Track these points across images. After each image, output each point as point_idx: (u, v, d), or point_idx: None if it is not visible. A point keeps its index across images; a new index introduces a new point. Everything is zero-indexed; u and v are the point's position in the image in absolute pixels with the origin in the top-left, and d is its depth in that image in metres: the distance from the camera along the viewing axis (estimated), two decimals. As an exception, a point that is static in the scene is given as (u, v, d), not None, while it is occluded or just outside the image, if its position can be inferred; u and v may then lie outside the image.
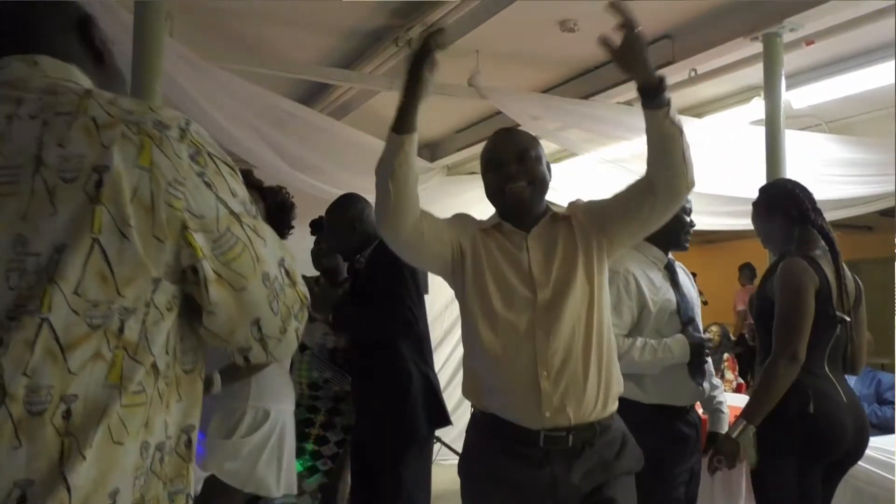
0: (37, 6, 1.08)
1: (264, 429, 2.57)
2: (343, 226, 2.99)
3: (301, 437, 2.99)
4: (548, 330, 1.85)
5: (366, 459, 2.94)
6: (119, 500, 0.88)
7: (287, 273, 1.05)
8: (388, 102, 4.71)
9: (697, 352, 2.48)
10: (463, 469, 2.00)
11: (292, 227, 2.89)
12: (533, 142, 2.00)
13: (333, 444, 3.19)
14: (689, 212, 2.60)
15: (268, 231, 1.04)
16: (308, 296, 1.11)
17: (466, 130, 5.74)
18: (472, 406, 2.01)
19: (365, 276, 2.93)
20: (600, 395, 1.87)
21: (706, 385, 2.60)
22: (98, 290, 0.89)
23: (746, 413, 2.38)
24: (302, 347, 3.14)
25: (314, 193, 4.11)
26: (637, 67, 1.73)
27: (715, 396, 2.70)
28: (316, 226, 3.36)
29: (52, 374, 0.86)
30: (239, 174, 1.04)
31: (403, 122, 1.75)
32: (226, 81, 3.54)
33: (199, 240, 0.95)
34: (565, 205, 2.06)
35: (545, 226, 1.96)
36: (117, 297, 0.90)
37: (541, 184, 1.96)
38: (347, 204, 3.03)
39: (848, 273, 2.51)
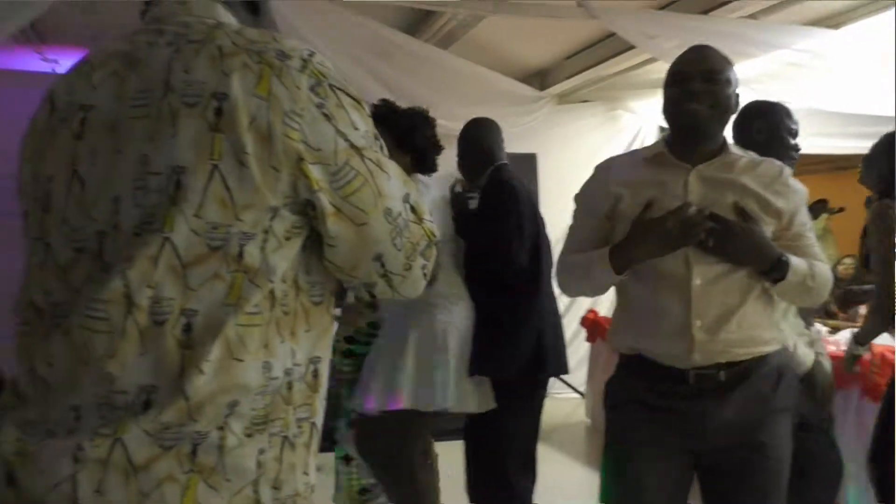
0: None
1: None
2: (467, 142, 2.98)
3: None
4: (705, 276, 1.75)
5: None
6: (237, 411, 0.92)
7: (413, 209, 1.05)
8: (494, 28, 4.60)
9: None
10: (609, 402, 1.94)
11: (438, 145, 2.83)
12: (725, 63, 1.85)
13: None
14: (794, 133, 2.41)
15: (392, 166, 1.03)
16: (436, 233, 1.10)
17: (577, 56, 5.48)
18: (619, 353, 1.94)
19: (482, 199, 2.87)
20: (758, 336, 1.78)
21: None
22: (217, 214, 0.91)
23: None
24: None
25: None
26: (745, 263, 1.75)
27: (815, 341, 2.51)
28: None
29: (174, 288, 0.90)
30: (364, 106, 1.02)
31: (627, 267, 1.78)
32: (328, 11, 3.50)
33: (315, 172, 0.95)
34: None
35: (717, 165, 1.83)
36: (236, 221, 0.92)
37: (723, 111, 1.82)
38: (477, 123, 3.06)
39: None
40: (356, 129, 0.99)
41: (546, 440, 4.79)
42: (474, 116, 4.82)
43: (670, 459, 1.80)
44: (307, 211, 0.97)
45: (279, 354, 0.96)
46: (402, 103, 4.11)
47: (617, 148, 5.21)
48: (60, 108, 1.01)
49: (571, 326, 5.61)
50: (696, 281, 1.74)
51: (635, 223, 1.77)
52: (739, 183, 1.80)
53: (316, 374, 1.03)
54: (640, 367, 1.83)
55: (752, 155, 1.88)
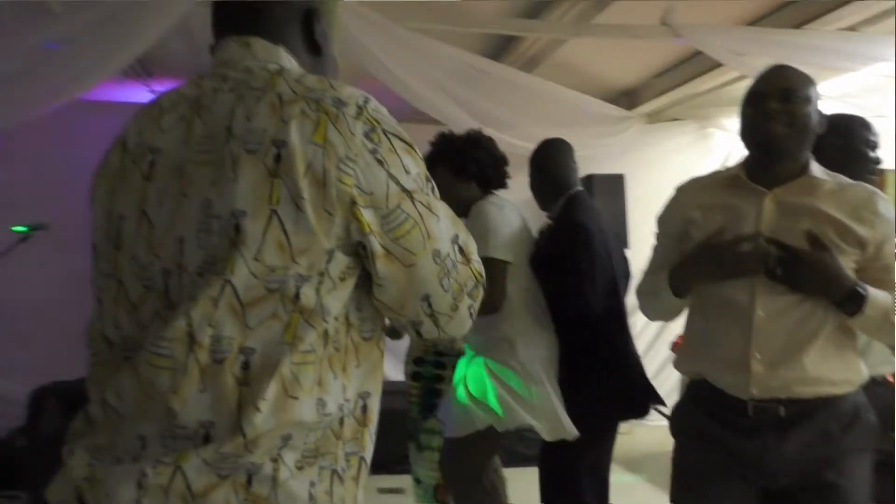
0: None
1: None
2: (535, 167, 2.90)
3: (434, 394, 2.96)
4: (769, 308, 1.68)
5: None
6: (290, 444, 0.96)
7: (461, 250, 1.06)
8: (579, 50, 4.57)
9: None
10: (673, 428, 1.92)
11: (499, 160, 2.82)
12: (805, 81, 1.80)
13: None
14: (874, 146, 2.26)
15: (443, 208, 1.06)
16: (483, 273, 1.11)
17: (665, 74, 5.39)
18: (685, 374, 1.91)
19: (553, 238, 2.79)
20: (827, 377, 1.68)
21: None
22: (275, 257, 0.95)
23: None
24: None
25: (504, 149, 4.07)
26: (815, 293, 1.67)
27: None
28: None
29: (233, 327, 0.94)
30: (416, 151, 1.05)
31: (688, 291, 1.79)
32: (410, 40, 3.58)
33: (367, 215, 0.98)
34: None
35: (796, 188, 1.75)
36: (292, 264, 0.95)
37: (802, 131, 1.75)
38: (545, 146, 2.94)
39: None
40: (408, 172, 1.02)
41: (635, 468, 4.68)
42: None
43: (734, 494, 1.74)
44: (359, 251, 1.00)
45: (332, 391, 0.99)
46: (488, 129, 4.16)
47: (708, 167, 5.07)
48: (131, 150, 1.07)
49: (662, 352, 5.47)
50: (760, 313, 1.68)
51: (699, 246, 1.75)
52: (818, 209, 1.71)
53: (365, 409, 1.06)
54: (704, 392, 1.79)
55: (839, 178, 1.79)
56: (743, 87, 5.28)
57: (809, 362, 1.66)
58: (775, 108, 1.73)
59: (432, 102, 3.81)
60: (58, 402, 3.80)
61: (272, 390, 0.93)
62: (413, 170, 1.03)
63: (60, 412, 3.73)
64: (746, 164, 1.82)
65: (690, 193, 1.89)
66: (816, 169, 1.78)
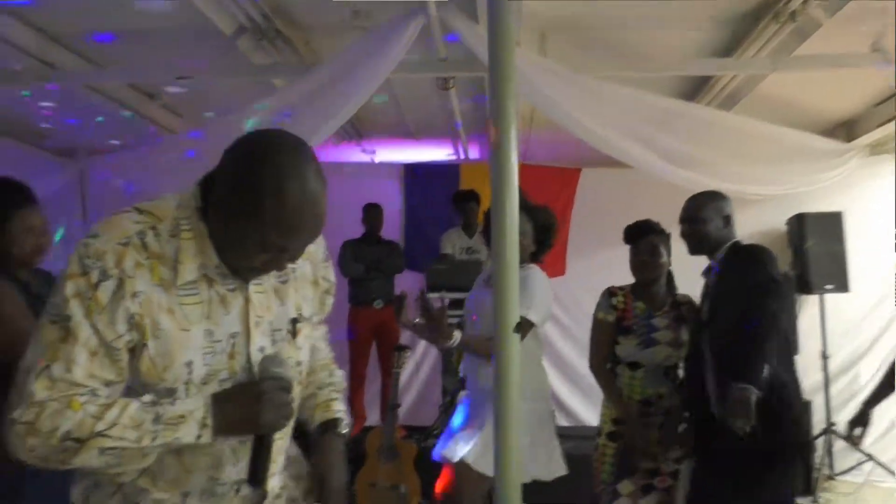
0: None
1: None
2: (710, 213, 2.89)
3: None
4: None
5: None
6: None
7: None
8: (783, 82, 4.33)
9: None
10: None
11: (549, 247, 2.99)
12: None
13: (671, 461, 3.02)
14: None
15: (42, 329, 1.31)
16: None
17: (888, 102, 4.95)
18: None
19: (721, 286, 2.75)
20: None
21: None
22: None
23: None
24: (634, 365, 3.05)
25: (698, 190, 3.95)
26: None
27: None
28: None
29: None
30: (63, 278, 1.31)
31: None
32: (597, 89, 3.60)
33: None
34: None
35: None
36: None
37: None
38: (720, 196, 2.97)
39: None
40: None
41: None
42: (765, 177, 4.57)
43: None
44: None
45: None
46: (679, 168, 4.05)
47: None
48: None
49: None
50: None
51: None
52: None
53: None
54: None
55: None
56: (979, 111, 4.64)
57: None
58: None
59: (618, 146, 3.80)
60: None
61: None
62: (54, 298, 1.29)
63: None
64: None
65: None
66: None
